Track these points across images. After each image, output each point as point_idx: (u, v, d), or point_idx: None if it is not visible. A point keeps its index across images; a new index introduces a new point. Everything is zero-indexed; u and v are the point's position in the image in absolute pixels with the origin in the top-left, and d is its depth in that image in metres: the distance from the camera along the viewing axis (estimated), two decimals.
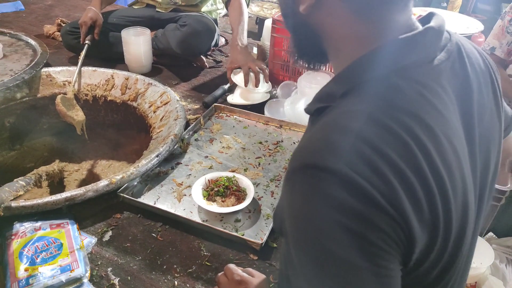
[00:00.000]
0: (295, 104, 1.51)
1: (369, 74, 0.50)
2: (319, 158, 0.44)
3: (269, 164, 1.30)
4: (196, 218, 1.07)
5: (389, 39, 0.51)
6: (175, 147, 1.30)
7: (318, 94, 0.56)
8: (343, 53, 0.55)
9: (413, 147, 0.45)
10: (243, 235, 1.02)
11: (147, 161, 1.16)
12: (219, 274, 0.85)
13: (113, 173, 1.59)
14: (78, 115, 1.48)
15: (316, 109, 0.54)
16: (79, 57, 1.64)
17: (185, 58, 1.90)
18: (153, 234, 1.03)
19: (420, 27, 0.53)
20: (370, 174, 0.42)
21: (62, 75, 1.62)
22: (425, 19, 0.55)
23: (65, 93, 1.54)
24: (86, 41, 1.71)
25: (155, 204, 1.10)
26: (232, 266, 0.85)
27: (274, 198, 1.16)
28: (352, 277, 0.43)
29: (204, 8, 1.92)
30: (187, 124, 1.42)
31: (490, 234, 1.27)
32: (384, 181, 0.42)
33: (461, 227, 0.51)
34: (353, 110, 0.47)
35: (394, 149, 0.44)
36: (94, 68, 1.65)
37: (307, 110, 0.58)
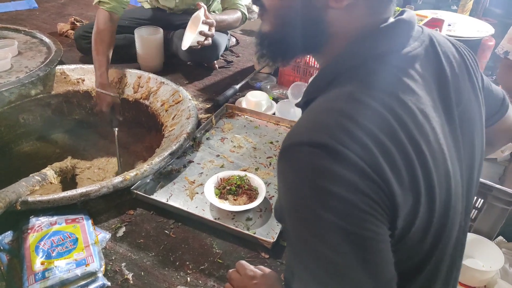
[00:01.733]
0: None
1: (349, 62, 0.55)
2: (306, 136, 0.48)
3: None
4: (208, 216, 1.08)
5: (371, 30, 0.55)
6: (187, 145, 1.31)
7: (307, 89, 0.61)
8: (335, 48, 0.57)
9: (391, 120, 0.49)
10: (254, 233, 1.03)
11: (160, 159, 1.17)
12: (231, 270, 0.87)
13: (124, 171, 1.61)
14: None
15: (305, 102, 0.59)
16: (115, 142, 1.55)
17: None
18: (166, 231, 1.04)
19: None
20: (354, 145, 0.46)
21: (76, 73, 1.64)
22: (399, 15, 0.60)
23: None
24: (115, 129, 1.55)
25: (167, 201, 1.12)
26: (244, 262, 0.87)
27: None
28: (343, 242, 0.46)
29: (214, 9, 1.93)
30: (198, 123, 1.43)
31: (500, 238, 1.27)
32: (367, 150, 0.46)
33: (447, 194, 0.55)
34: (335, 93, 0.52)
35: (374, 122, 0.48)
36: None
37: (298, 105, 0.62)
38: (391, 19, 0.57)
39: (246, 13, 1.88)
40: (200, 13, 1.59)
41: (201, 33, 1.57)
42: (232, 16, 1.80)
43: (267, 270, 0.85)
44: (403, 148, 0.49)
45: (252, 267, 0.85)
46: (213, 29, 1.61)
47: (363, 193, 0.45)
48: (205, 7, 1.61)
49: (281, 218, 0.56)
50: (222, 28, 1.77)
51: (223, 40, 1.86)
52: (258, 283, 0.82)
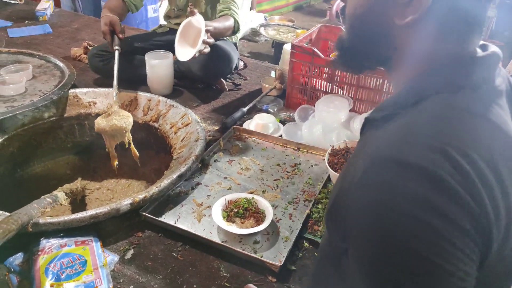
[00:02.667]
0: (313, 128, 1.53)
1: (441, 86, 0.54)
2: (401, 153, 0.46)
3: (287, 186, 1.32)
4: (215, 238, 1.09)
5: (458, 55, 0.56)
6: (196, 167, 1.33)
7: (384, 104, 0.61)
8: (411, 67, 0.59)
9: (490, 148, 0.48)
10: (261, 256, 1.03)
11: (169, 181, 1.19)
12: None
13: (133, 192, 1.63)
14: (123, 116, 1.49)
15: (383, 116, 0.57)
16: (114, 64, 1.63)
17: (205, 80, 1.95)
18: (174, 254, 1.04)
19: (481, 52, 0.58)
20: (453, 170, 0.44)
21: (88, 96, 1.68)
22: (484, 48, 0.60)
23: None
24: (116, 48, 1.69)
25: (175, 223, 1.13)
26: (251, 286, 0.87)
27: (292, 221, 1.17)
28: (428, 278, 0.43)
29: None
30: (207, 146, 1.45)
31: None
32: (466, 177, 0.44)
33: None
34: (431, 115, 0.51)
35: (474, 149, 0.46)
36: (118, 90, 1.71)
37: (370, 118, 0.61)
38: (479, 50, 0.58)
39: (239, 22, 1.84)
40: (200, 20, 1.56)
41: (203, 41, 1.54)
42: (225, 23, 1.75)
43: None
44: (500, 178, 0.47)
45: None
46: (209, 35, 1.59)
47: (461, 229, 0.43)
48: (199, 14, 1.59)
49: (336, 222, 0.54)
50: (214, 37, 1.70)
51: (235, 56, 1.90)
52: None
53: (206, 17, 1.95)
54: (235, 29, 1.83)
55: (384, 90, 1.59)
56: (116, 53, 1.68)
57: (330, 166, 1.24)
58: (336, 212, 0.56)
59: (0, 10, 2.87)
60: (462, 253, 0.43)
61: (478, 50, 0.58)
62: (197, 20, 1.59)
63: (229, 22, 1.78)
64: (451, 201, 0.43)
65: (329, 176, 1.32)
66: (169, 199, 1.22)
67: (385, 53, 0.62)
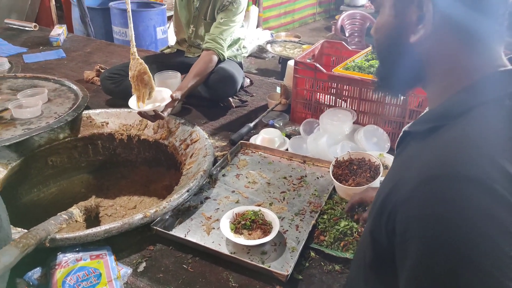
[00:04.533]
0: (318, 141, 1.57)
1: (484, 97, 0.57)
2: (462, 168, 0.49)
3: (294, 198, 1.35)
4: (224, 250, 1.12)
5: (492, 69, 0.59)
6: (204, 182, 1.37)
7: (427, 116, 0.64)
8: (444, 80, 0.62)
9: None
10: (269, 267, 1.06)
11: (178, 196, 1.23)
12: None
13: (145, 209, 1.68)
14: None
15: (429, 128, 0.60)
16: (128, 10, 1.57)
17: (211, 100, 2.02)
18: (184, 265, 1.08)
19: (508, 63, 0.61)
20: (506, 183, 0.47)
21: (100, 117, 1.75)
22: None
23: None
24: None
25: (185, 236, 1.17)
26: None
27: (299, 232, 1.20)
28: None
29: (229, 53, 2.05)
30: (215, 161, 1.50)
31: None
32: None
33: None
34: (482, 127, 0.54)
35: None
36: (129, 110, 1.77)
37: (412, 131, 0.64)
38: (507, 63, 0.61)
39: (225, 54, 1.91)
40: (166, 95, 1.59)
41: (157, 107, 1.54)
42: (205, 69, 1.83)
43: None
44: None
45: None
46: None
47: None
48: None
49: (385, 230, 0.56)
50: (190, 91, 1.78)
51: (240, 76, 1.97)
52: None
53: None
54: (219, 63, 1.92)
55: (386, 102, 1.62)
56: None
57: (334, 178, 1.27)
58: (386, 223, 0.57)
59: (15, 37, 3.01)
60: None
61: (506, 62, 0.61)
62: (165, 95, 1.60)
63: (209, 65, 1.85)
64: (509, 214, 0.45)
65: (334, 187, 1.35)
66: (179, 213, 1.27)
67: (415, 71, 0.66)
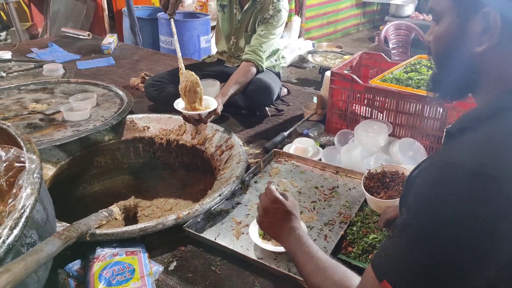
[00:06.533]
0: (351, 152, 1.57)
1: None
2: (477, 164, 0.54)
3: (324, 208, 1.35)
4: (252, 255, 1.15)
5: None
6: (236, 188, 1.41)
7: (461, 118, 0.69)
8: (496, 88, 0.65)
9: None
10: (295, 274, 1.07)
11: (211, 200, 1.28)
12: (261, 193, 1.04)
13: (180, 211, 1.74)
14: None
15: (458, 129, 0.65)
16: (173, 31, 1.77)
17: (248, 109, 2.07)
18: (212, 267, 1.12)
19: None
20: None
21: (143, 121, 1.85)
22: None
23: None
24: (171, 16, 1.81)
25: (215, 239, 1.21)
26: (272, 187, 1.02)
27: (327, 242, 1.20)
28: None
29: (267, 63, 2.09)
30: (248, 167, 1.53)
31: None
32: None
33: None
34: (505, 130, 0.58)
35: None
36: (169, 115, 1.86)
37: (449, 130, 0.69)
38: None
39: (263, 66, 1.97)
40: (210, 103, 1.66)
41: (199, 115, 1.61)
42: (244, 79, 1.90)
43: (290, 197, 1.01)
44: None
45: (277, 193, 1.01)
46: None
47: None
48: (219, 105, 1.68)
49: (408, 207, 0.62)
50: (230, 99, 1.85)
51: (277, 87, 2.01)
52: (277, 207, 0.99)
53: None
54: (258, 73, 1.98)
55: (424, 115, 1.59)
56: (172, 20, 1.80)
57: (366, 190, 1.27)
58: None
59: (70, 44, 3.23)
60: None
61: None
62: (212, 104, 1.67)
63: (248, 75, 1.92)
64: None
65: (365, 199, 1.34)
66: (211, 217, 1.31)
67: (472, 80, 0.69)
